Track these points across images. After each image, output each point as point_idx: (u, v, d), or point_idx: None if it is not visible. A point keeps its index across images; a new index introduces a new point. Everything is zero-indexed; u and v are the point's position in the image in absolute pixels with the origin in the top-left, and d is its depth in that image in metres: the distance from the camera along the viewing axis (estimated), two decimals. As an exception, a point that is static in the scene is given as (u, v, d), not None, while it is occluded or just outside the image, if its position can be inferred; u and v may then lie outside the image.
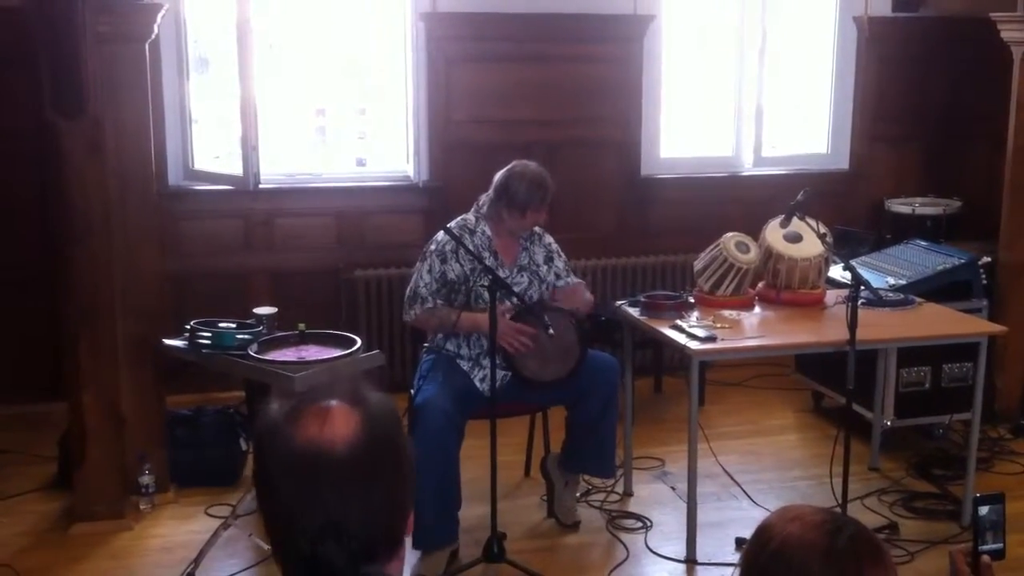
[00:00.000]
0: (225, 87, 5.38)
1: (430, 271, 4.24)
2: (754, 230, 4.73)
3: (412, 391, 4.26)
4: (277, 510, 1.52)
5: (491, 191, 4.32)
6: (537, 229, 4.41)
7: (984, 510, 1.97)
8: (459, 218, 4.36)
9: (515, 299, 4.10)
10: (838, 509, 4.12)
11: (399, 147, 6.11)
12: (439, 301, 4.23)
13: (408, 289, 4.30)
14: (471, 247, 4.18)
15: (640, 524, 4.46)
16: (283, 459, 1.51)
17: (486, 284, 3.93)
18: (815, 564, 1.56)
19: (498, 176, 4.31)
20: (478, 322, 4.09)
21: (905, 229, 6.02)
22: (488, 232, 4.31)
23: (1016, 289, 5.47)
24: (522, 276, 4.33)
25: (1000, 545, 1.97)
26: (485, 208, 4.33)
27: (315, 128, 6.27)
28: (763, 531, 1.64)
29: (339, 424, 1.51)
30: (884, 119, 6.66)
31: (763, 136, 6.61)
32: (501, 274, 4.15)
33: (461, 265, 4.22)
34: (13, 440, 5.09)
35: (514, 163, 4.33)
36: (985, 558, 1.93)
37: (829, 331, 4.25)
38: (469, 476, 4.20)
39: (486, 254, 4.25)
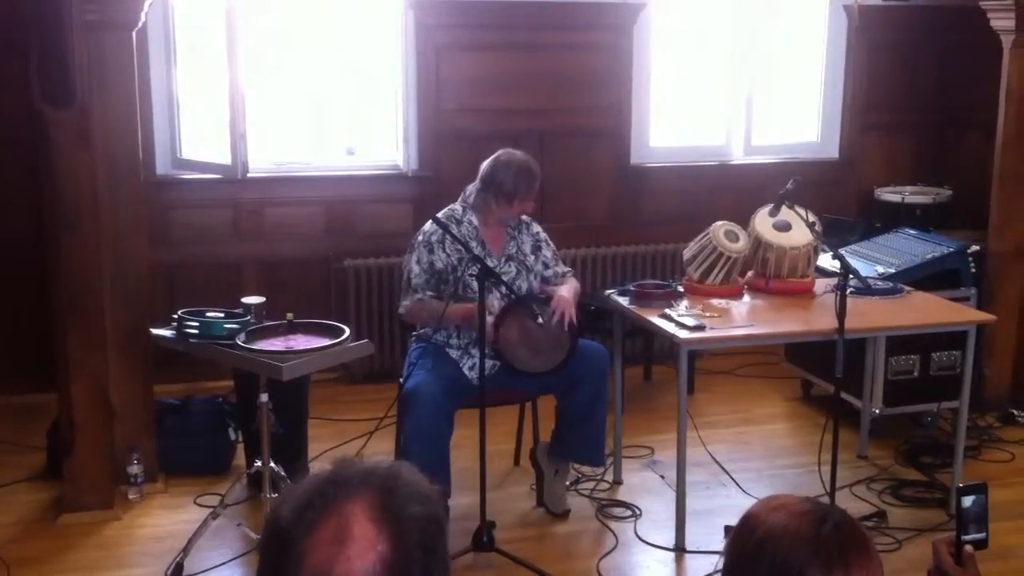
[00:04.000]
0: (213, 75, 5.36)
1: (418, 262, 4.24)
2: (744, 219, 4.73)
3: (401, 380, 4.26)
4: None
5: (477, 181, 4.31)
6: (525, 218, 4.40)
7: (967, 501, 1.98)
8: (446, 208, 4.36)
9: (504, 288, 4.10)
10: (827, 497, 4.14)
11: (388, 136, 6.10)
12: (428, 292, 4.22)
13: (403, 281, 4.31)
14: (459, 236, 4.17)
15: (629, 512, 4.47)
16: None
17: (475, 273, 3.93)
18: (800, 553, 1.56)
19: (484, 166, 4.30)
20: (465, 315, 4.09)
21: (895, 218, 6.03)
22: (475, 222, 4.30)
23: (1005, 277, 5.48)
24: (510, 266, 4.32)
25: (983, 535, 1.97)
26: (472, 198, 4.33)
27: (304, 117, 6.25)
28: (747, 521, 1.64)
29: (356, 556, 1.27)
30: (874, 108, 6.66)
31: (753, 125, 6.60)
32: (489, 263, 4.14)
33: (448, 255, 4.22)
34: (2, 430, 5.08)
35: (500, 152, 4.32)
36: (968, 548, 1.93)
37: (818, 320, 4.26)
38: (459, 465, 4.21)
39: (473, 244, 4.24)
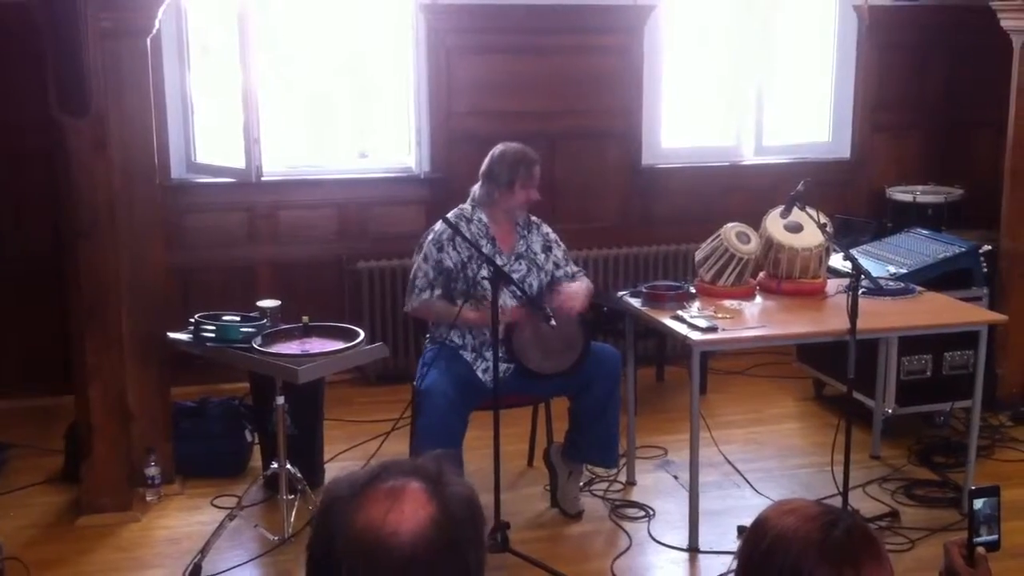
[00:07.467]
0: (226, 79, 5.39)
1: (426, 260, 4.28)
2: (755, 220, 4.74)
3: (415, 381, 4.29)
4: None
5: (479, 178, 4.36)
6: (534, 218, 4.44)
7: (979, 503, 1.99)
8: (456, 208, 4.40)
9: (514, 288, 4.12)
10: (839, 497, 4.15)
11: (401, 139, 6.13)
12: (437, 291, 4.25)
13: (409, 281, 4.34)
14: (468, 236, 4.21)
15: (643, 513, 4.49)
16: (339, 537, 1.38)
17: (487, 276, 3.96)
18: (811, 557, 1.58)
19: (483, 163, 4.35)
20: (477, 321, 4.13)
21: (906, 217, 6.03)
22: (484, 219, 4.34)
23: (1017, 277, 5.48)
24: (520, 264, 4.35)
25: (995, 537, 1.98)
26: (477, 196, 4.37)
27: (316, 121, 6.27)
28: (759, 525, 1.66)
29: (408, 511, 1.37)
30: (885, 107, 6.67)
31: (764, 125, 6.61)
32: (499, 261, 4.17)
33: (458, 253, 4.25)
34: (20, 433, 5.12)
35: (495, 147, 4.37)
36: (980, 550, 1.95)
37: (830, 320, 4.27)
38: (473, 467, 4.23)
39: (483, 242, 4.27)
